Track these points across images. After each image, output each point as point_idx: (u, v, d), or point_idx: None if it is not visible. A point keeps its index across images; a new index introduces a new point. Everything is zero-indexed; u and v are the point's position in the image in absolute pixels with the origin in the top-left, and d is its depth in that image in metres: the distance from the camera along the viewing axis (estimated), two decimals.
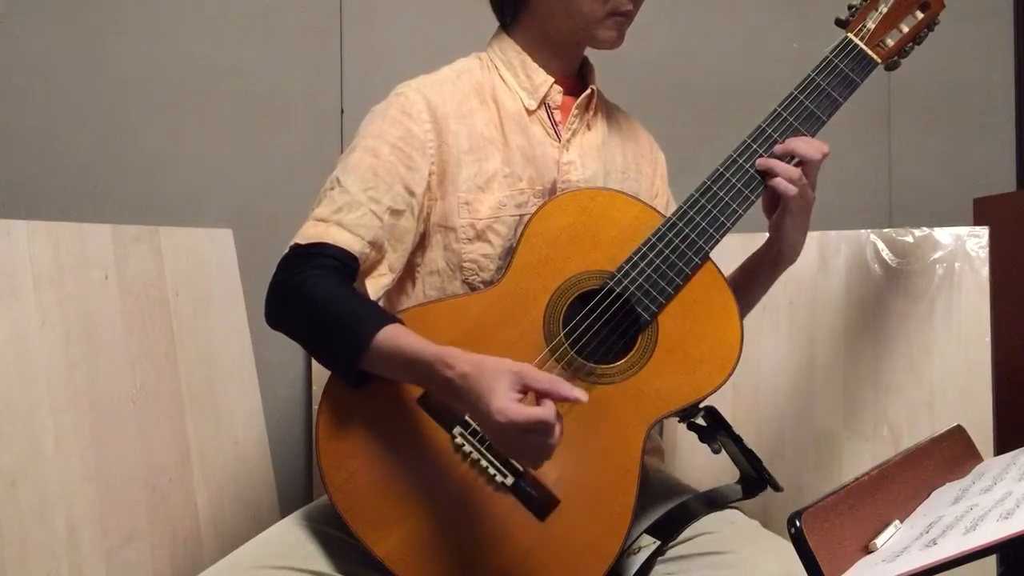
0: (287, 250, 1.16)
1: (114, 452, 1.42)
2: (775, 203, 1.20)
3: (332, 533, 1.13)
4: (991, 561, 1.59)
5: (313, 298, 1.10)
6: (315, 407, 1.87)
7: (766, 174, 1.17)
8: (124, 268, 1.50)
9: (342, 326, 1.08)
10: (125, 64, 1.85)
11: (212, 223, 1.79)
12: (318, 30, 1.94)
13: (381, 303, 1.20)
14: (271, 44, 1.91)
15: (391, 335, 1.06)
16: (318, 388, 1.88)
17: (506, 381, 0.97)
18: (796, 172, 1.16)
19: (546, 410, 0.95)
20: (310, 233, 1.15)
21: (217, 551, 1.50)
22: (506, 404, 0.96)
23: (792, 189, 1.16)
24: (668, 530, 1.14)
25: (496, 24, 1.33)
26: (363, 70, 1.95)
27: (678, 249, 1.14)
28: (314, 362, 1.91)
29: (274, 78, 1.91)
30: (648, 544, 1.12)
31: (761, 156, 1.18)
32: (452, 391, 1.02)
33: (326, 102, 1.94)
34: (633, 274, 1.13)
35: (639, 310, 1.13)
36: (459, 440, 1.10)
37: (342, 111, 1.95)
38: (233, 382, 1.71)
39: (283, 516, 1.22)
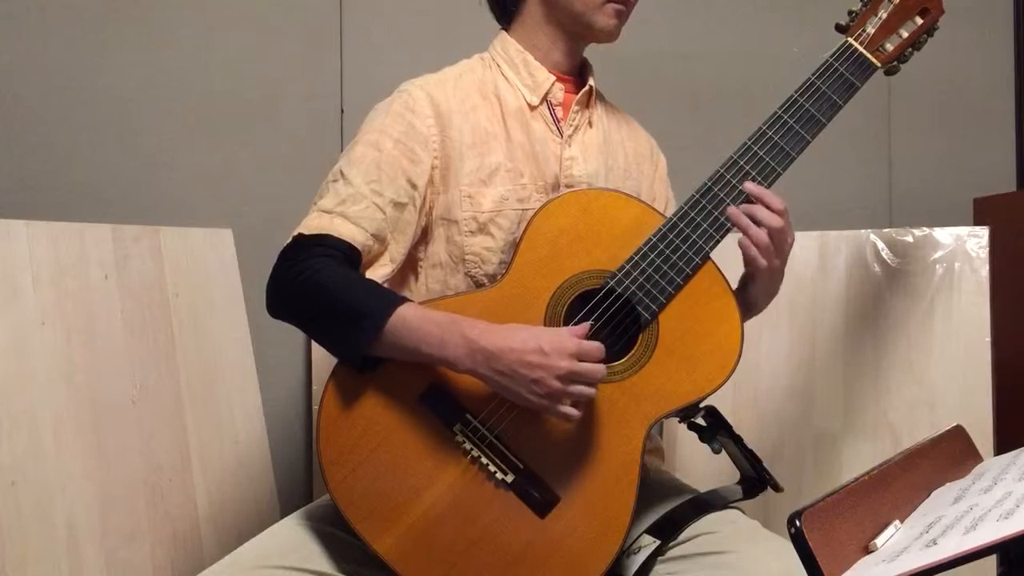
0: (290, 239, 1.16)
1: (114, 452, 1.42)
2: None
3: (333, 532, 1.13)
4: (991, 561, 1.59)
5: (319, 282, 1.10)
6: (315, 407, 1.87)
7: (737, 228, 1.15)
8: (124, 268, 1.50)
9: (354, 306, 1.09)
10: (125, 64, 1.85)
11: (212, 223, 1.79)
12: (318, 30, 1.94)
13: None
14: (271, 44, 1.91)
15: (409, 306, 1.09)
16: (318, 388, 1.88)
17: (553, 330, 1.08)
18: (765, 240, 1.14)
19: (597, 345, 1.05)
20: (314, 224, 1.16)
21: (217, 551, 1.50)
22: (560, 332, 1.05)
23: (762, 262, 1.15)
24: (668, 530, 1.14)
25: (495, 26, 1.33)
26: (363, 70, 1.95)
27: (679, 249, 1.14)
28: (314, 362, 1.90)
29: (274, 78, 1.91)
30: (648, 544, 1.13)
31: (750, 181, 1.16)
32: (482, 335, 1.05)
33: (326, 102, 1.94)
34: (634, 274, 1.14)
35: (640, 309, 1.13)
36: (460, 437, 1.10)
37: (342, 111, 1.95)
38: (233, 382, 1.71)
39: (283, 516, 1.22)
